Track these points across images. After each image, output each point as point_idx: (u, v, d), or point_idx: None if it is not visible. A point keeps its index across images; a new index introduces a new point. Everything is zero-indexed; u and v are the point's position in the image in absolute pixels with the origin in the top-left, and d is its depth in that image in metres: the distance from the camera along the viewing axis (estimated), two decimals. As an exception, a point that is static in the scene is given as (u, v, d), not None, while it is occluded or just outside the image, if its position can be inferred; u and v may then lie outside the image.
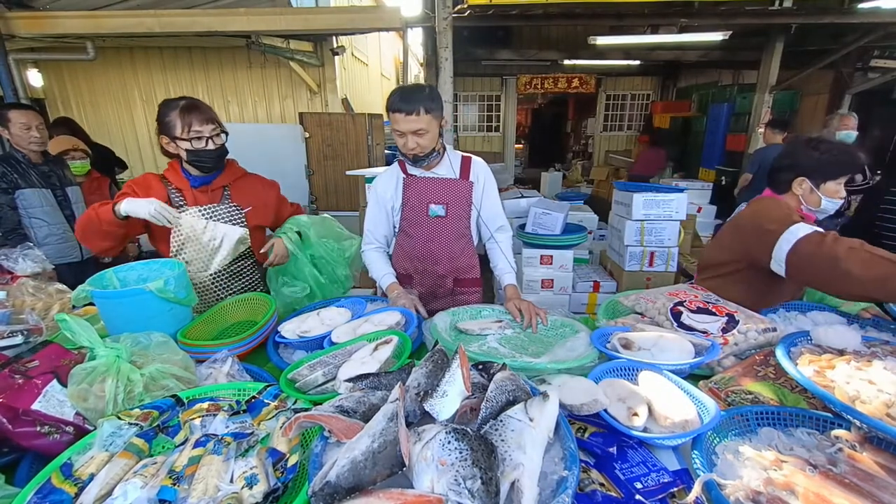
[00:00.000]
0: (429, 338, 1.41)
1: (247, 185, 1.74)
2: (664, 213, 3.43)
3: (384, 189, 1.75)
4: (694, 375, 1.19)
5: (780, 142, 4.25)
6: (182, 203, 1.61)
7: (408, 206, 1.72)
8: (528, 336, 1.44)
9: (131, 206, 1.43)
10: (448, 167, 1.72)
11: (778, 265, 1.39)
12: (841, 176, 1.50)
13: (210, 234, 1.60)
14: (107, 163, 3.64)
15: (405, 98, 1.49)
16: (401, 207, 1.73)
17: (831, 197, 1.52)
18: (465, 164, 1.74)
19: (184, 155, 1.55)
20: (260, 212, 1.75)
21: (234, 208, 1.67)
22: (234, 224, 1.65)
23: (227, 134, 1.61)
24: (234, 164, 1.74)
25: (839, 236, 1.31)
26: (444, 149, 1.72)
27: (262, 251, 1.71)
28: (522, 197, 4.26)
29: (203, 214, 1.59)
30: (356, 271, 1.94)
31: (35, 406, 0.90)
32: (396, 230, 1.81)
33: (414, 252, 1.78)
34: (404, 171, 1.73)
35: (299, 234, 1.77)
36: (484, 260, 1.88)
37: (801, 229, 1.35)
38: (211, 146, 1.56)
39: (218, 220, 1.62)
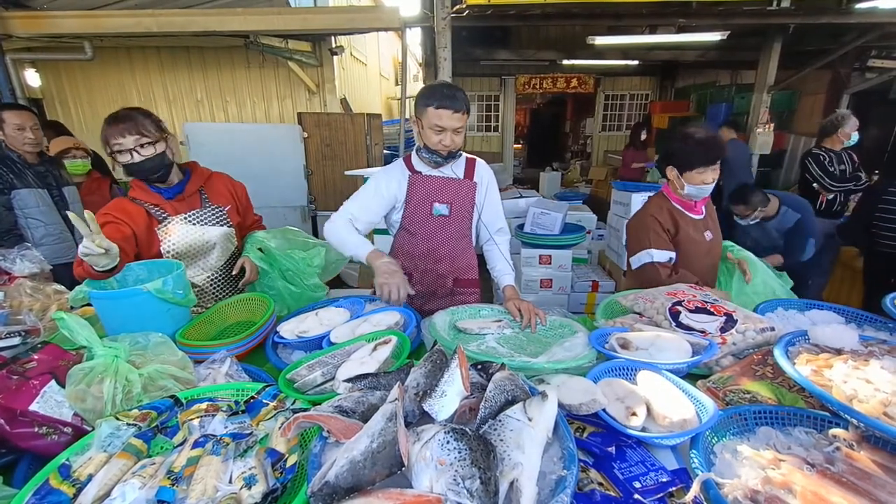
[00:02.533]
0: (428, 337, 1.41)
1: (219, 185, 1.76)
2: (663, 213, 3.43)
3: (388, 184, 1.71)
4: (692, 375, 1.19)
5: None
6: (165, 216, 1.59)
7: (411, 203, 1.71)
8: (527, 336, 1.44)
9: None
10: (453, 167, 1.72)
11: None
12: (698, 166, 1.64)
13: (202, 239, 1.63)
14: (104, 166, 3.61)
15: (451, 96, 1.51)
16: (404, 205, 1.73)
17: (694, 184, 1.66)
18: (470, 166, 1.75)
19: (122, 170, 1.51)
20: (237, 209, 1.78)
21: (216, 209, 1.69)
22: (220, 225, 1.68)
23: (164, 142, 1.52)
24: (197, 165, 1.73)
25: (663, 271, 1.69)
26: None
27: (234, 273, 1.69)
28: (521, 197, 4.27)
29: (189, 221, 1.61)
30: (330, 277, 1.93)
31: (33, 407, 0.90)
32: (397, 228, 1.80)
33: (415, 250, 1.78)
34: (410, 168, 1.72)
35: (261, 250, 1.77)
36: (481, 261, 1.88)
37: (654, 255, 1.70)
38: (137, 158, 1.45)
39: (205, 223, 1.64)
